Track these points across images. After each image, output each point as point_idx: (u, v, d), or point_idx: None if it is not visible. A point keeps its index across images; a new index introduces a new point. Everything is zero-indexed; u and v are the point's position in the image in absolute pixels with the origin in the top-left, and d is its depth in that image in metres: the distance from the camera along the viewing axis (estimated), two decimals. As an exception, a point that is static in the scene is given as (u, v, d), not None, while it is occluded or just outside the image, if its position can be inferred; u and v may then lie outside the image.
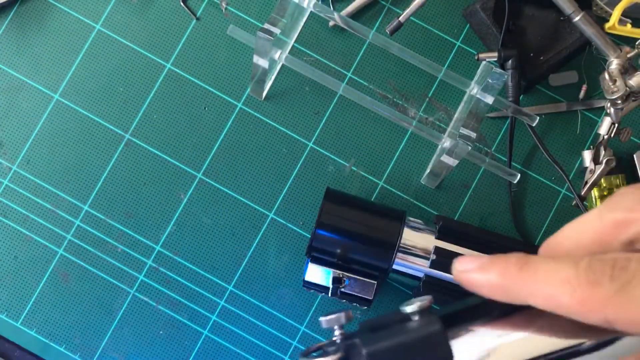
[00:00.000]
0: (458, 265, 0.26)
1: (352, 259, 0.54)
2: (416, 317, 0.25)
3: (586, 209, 0.58)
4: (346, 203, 0.55)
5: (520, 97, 0.60)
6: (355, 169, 0.61)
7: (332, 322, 0.26)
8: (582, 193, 0.57)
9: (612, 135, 0.56)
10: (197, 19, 0.61)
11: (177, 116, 0.60)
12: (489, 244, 0.55)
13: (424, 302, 0.25)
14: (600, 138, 0.57)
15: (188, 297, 0.59)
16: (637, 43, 0.54)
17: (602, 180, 0.60)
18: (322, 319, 0.26)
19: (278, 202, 0.60)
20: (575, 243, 0.27)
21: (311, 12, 0.58)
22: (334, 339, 0.26)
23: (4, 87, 0.60)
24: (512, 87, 0.57)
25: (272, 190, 0.60)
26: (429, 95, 0.61)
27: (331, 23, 0.61)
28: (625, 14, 0.56)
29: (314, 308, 0.60)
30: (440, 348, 0.24)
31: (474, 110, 0.51)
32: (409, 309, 0.25)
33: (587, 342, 0.26)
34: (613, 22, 0.55)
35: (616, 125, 0.55)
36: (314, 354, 0.27)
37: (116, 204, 0.60)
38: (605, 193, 0.60)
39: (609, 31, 0.55)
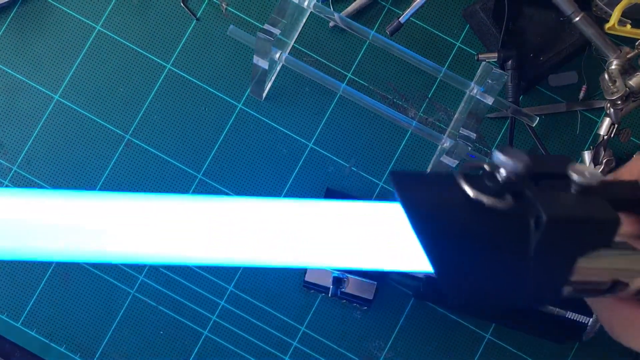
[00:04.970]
0: None
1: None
2: (586, 193, 0.23)
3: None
4: (346, 203, 0.55)
5: (520, 98, 0.60)
6: (355, 169, 0.61)
7: (508, 166, 0.23)
8: (582, 193, 0.57)
9: (611, 135, 0.56)
10: (197, 19, 0.61)
11: (178, 117, 0.60)
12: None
13: (597, 178, 0.23)
14: (600, 138, 0.57)
15: (188, 298, 0.59)
16: (636, 43, 0.54)
17: (602, 180, 0.59)
18: (498, 154, 0.22)
19: (278, 202, 0.60)
20: None
21: (311, 12, 0.58)
22: (497, 176, 0.23)
23: (4, 88, 0.60)
24: (511, 88, 0.57)
25: (272, 190, 0.60)
26: (429, 95, 0.61)
27: (331, 24, 0.61)
28: (625, 14, 0.56)
29: (314, 308, 0.60)
30: (605, 239, 0.23)
31: (473, 110, 0.51)
32: (581, 178, 0.23)
33: None
34: (613, 22, 0.55)
35: (616, 125, 0.55)
36: (470, 171, 0.24)
37: (116, 205, 0.60)
38: (604, 193, 0.60)
39: (609, 31, 0.55)
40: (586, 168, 0.24)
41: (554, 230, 0.22)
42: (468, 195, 0.22)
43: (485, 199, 0.22)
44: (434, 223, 0.22)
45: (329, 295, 0.55)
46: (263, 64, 0.53)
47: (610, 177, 0.28)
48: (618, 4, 0.54)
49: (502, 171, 0.23)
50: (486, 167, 0.23)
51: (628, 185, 0.26)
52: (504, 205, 0.22)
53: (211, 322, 0.59)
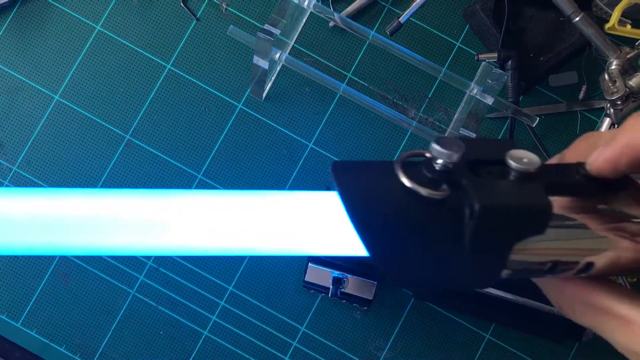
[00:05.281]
0: (599, 157, 0.25)
1: (352, 259, 0.54)
2: (524, 179, 0.24)
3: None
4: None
5: (520, 98, 0.60)
6: (355, 169, 0.61)
7: (442, 156, 0.23)
8: (582, 193, 0.57)
9: (611, 135, 0.56)
10: (197, 19, 0.61)
11: (178, 117, 0.60)
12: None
13: (535, 165, 0.24)
14: (600, 138, 0.57)
15: (188, 298, 0.59)
16: (636, 44, 0.54)
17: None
18: (435, 145, 0.23)
19: (278, 202, 0.60)
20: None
21: (311, 12, 0.58)
22: (435, 165, 0.23)
23: (4, 88, 0.60)
24: (511, 88, 0.57)
25: (272, 190, 0.60)
26: (429, 95, 0.61)
27: (331, 24, 0.61)
28: (625, 14, 0.56)
29: (314, 308, 0.60)
30: (538, 226, 0.24)
31: (473, 110, 0.51)
32: (518, 165, 0.24)
33: None
34: (613, 22, 0.55)
35: (616, 125, 0.55)
36: (409, 160, 0.24)
37: (116, 205, 0.60)
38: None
39: (609, 32, 0.55)
40: (524, 154, 0.24)
41: (487, 219, 0.22)
42: (405, 185, 0.23)
43: (420, 189, 0.23)
44: (368, 212, 0.23)
45: (329, 295, 0.55)
46: (263, 64, 0.53)
47: (555, 159, 0.28)
48: (618, 4, 0.54)
49: (439, 161, 0.23)
50: (427, 155, 0.24)
51: (571, 167, 0.26)
52: (440, 195, 0.23)
53: (211, 322, 0.59)
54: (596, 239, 0.26)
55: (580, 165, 0.26)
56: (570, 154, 0.28)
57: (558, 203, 0.24)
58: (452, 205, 0.23)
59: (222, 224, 0.25)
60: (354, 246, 0.25)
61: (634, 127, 0.24)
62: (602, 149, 0.25)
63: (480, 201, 0.22)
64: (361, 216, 0.23)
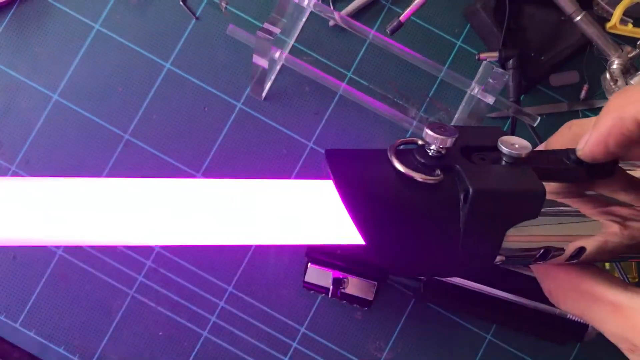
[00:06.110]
0: (586, 144, 0.25)
1: (352, 260, 0.54)
2: (516, 164, 0.24)
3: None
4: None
5: (521, 97, 0.60)
6: (355, 169, 0.60)
7: (436, 141, 0.23)
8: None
9: (613, 135, 0.56)
10: (197, 18, 0.61)
11: (177, 116, 0.60)
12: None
13: (526, 150, 0.24)
14: (602, 138, 0.56)
15: (187, 298, 0.59)
16: (638, 43, 0.54)
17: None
18: (428, 131, 0.23)
19: (278, 202, 0.60)
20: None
21: (311, 11, 0.58)
22: (428, 151, 0.23)
23: (2, 87, 0.60)
24: (513, 87, 0.57)
25: (272, 190, 0.60)
26: (430, 95, 0.61)
27: (331, 23, 0.61)
28: (627, 13, 0.56)
29: (314, 309, 0.60)
30: (532, 210, 0.24)
31: (474, 110, 0.51)
32: (510, 150, 0.24)
33: None
34: (614, 21, 0.54)
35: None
36: (402, 146, 0.24)
37: (115, 205, 0.59)
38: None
39: (610, 31, 0.55)
40: (516, 140, 0.24)
41: (481, 203, 0.23)
42: (399, 171, 0.23)
43: (414, 175, 0.23)
44: (363, 199, 0.23)
45: (329, 296, 0.54)
46: (263, 63, 0.52)
47: (541, 147, 0.29)
48: (619, 3, 0.54)
49: (432, 147, 0.23)
50: (419, 142, 0.24)
51: (561, 153, 0.26)
52: (434, 180, 0.23)
53: (210, 322, 0.59)
54: (585, 224, 0.26)
55: (570, 151, 0.26)
56: (555, 141, 0.28)
57: (548, 188, 0.25)
58: (446, 190, 0.23)
59: (216, 213, 0.25)
60: (349, 234, 0.25)
61: (617, 106, 0.24)
62: (590, 131, 0.25)
63: (475, 185, 0.22)
64: (356, 203, 0.23)
